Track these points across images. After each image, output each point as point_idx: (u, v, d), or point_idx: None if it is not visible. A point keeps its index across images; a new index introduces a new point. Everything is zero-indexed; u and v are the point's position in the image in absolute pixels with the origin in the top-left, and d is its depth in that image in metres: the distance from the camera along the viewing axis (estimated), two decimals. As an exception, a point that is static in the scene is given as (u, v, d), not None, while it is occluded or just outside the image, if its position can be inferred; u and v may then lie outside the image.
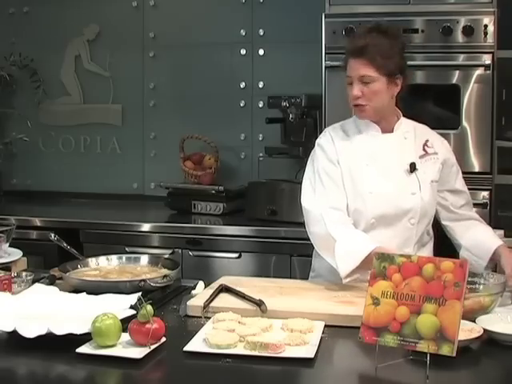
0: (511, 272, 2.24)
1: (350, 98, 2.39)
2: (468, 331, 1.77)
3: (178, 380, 1.67)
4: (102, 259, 2.50)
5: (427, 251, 2.49)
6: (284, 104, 3.68)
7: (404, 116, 2.55)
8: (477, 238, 2.47)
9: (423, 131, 2.52)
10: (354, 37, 2.42)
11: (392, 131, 2.46)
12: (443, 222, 2.54)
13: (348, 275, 2.24)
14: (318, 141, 2.51)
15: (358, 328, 1.71)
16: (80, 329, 1.76)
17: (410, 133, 2.48)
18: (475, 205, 3.27)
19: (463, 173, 3.30)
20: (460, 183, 2.55)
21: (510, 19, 3.25)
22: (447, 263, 1.65)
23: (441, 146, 2.52)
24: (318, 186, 2.42)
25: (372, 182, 2.39)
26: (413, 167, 2.40)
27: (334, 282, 2.33)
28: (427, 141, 2.48)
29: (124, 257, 2.55)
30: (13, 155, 4.56)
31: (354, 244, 2.27)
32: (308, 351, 1.72)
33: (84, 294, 2.11)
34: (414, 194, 2.39)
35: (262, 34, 4.14)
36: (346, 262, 2.24)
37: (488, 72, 3.22)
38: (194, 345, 1.76)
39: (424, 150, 2.46)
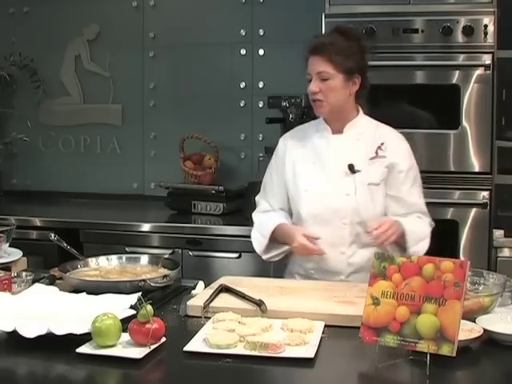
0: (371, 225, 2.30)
1: (309, 93, 2.45)
2: (468, 331, 1.77)
3: (178, 380, 1.67)
4: (102, 259, 2.50)
5: (371, 252, 2.45)
6: (284, 104, 3.68)
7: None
8: None
9: (384, 133, 2.51)
10: (320, 36, 2.49)
11: (342, 132, 2.50)
12: None
13: (264, 252, 2.53)
14: None
15: (358, 328, 1.71)
16: (80, 329, 1.77)
17: (366, 134, 2.48)
18: (475, 205, 3.30)
19: (463, 173, 3.32)
20: (406, 192, 2.47)
21: (510, 19, 3.25)
22: (447, 263, 1.65)
23: (394, 149, 2.47)
24: (264, 181, 2.65)
25: (310, 180, 2.48)
26: (351, 168, 2.42)
27: (304, 275, 2.52)
28: (382, 144, 2.47)
29: (124, 257, 2.55)
30: (13, 155, 4.56)
31: (263, 224, 2.54)
32: (308, 351, 1.72)
33: (84, 294, 2.11)
34: (348, 195, 2.42)
35: (262, 34, 4.14)
36: (259, 240, 2.54)
37: (488, 72, 3.22)
38: (194, 345, 1.76)
39: (376, 152, 2.46)
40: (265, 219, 2.56)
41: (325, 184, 2.46)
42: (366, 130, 2.50)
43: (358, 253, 2.44)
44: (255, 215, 2.64)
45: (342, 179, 2.44)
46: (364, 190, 2.42)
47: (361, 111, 2.52)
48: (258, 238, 2.55)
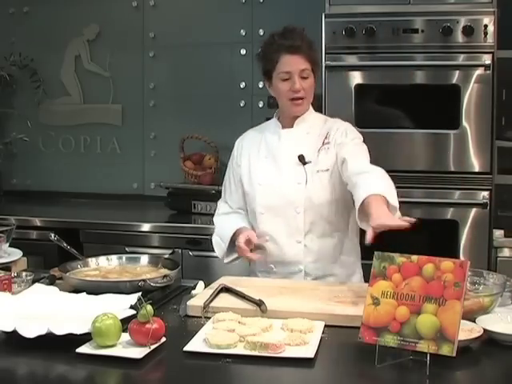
0: (374, 224, 2.03)
1: (285, 92, 2.46)
2: (468, 331, 1.77)
3: (178, 380, 1.67)
4: (102, 259, 2.50)
5: (332, 242, 2.48)
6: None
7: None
8: (355, 187, 2.28)
9: (329, 125, 2.56)
10: (284, 36, 2.46)
11: (292, 127, 2.56)
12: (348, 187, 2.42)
13: (225, 256, 2.57)
14: None
15: (358, 328, 1.70)
16: (80, 329, 1.76)
17: (314, 128, 2.55)
18: (475, 205, 3.30)
19: (463, 173, 3.32)
20: (351, 152, 2.41)
21: (510, 19, 3.25)
22: (447, 263, 1.66)
23: (336, 133, 2.50)
24: (223, 183, 2.72)
25: (263, 174, 2.54)
26: (302, 159, 2.48)
27: (264, 272, 2.54)
28: (328, 133, 2.53)
29: (124, 257, 2.55)
30: (13, 155, 4.56)
31: (223, 229, 2.58)
32: (308, 351, 1.72)
33: (84, 294, 2.11)
34: (300, 183, 2.47)
35: (262, 33, 4.14)
36: (219, 245, 2.57)
37: (488, 72, 3.22)
38: (194, 345, 1.76)
39: (323, 142, 2.51)
40: (224, 224, 2.60)
41: (277, 176, 2.51)
42: (314, 124, 2.56)
43: (315, 241, 2.48)
44: (215, 218, 2.69)
45: (293, 169, 2.49)
46: (314, 177, 2.46)
47: (311, 107, 2.59)
48: (219, 243, 2.58)
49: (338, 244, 2.51)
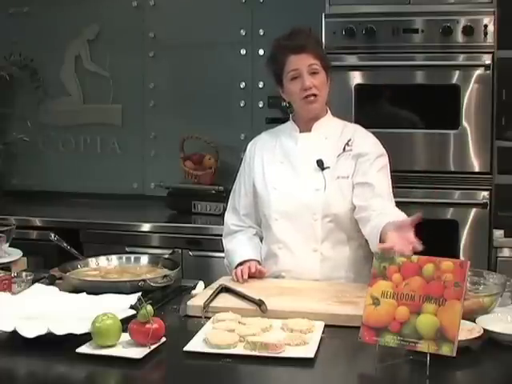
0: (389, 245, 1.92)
1: (297, 92, 2.43)
2: (468, 331, 1.77)
3: (178, 380, 1.67)
4: (102, 259, 2.50)
5: (347, 251, 2.43)
6: (284, 104, 3.67)
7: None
8: (373, 224, 2.25)
9: (350, 131, 2.51)
10: (290, 37, 2.44)
11: (310, 131, 2.51)
12: (355, 216, 2.41)
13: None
14: None
15: (358, 328, 1.71)
16: (80, 329, 1.77)
17: (333, 133, 2.49)
18: (475, 205, 3.30)
19: (463, 173, 3.32)
20: (372, 177, 2.39)
21: (510, 19, 3.25)
22: (447, 263, 1.66)
23: (360, 142, 2.46)
24: (233, 189, 2.65)
25: (279, 178, 2.48)
26: (320, 164, 2.43)
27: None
28: (349, 140, 2.47)
29: (124, 257, 2.55)
30: (13, 155, 4.56)
31: (231, 256, 2.54)
32: (308, 351, 1.72)
33: (84, 294, 2.11)
34: (318, 190, 2.41)
35: (262, 33, 4.14)
36: (230, 269, 2.50)
37: (488, 72, 3.22)
38: (194, 345, 1.76)
39: (343, 148, 2.45)
40: (232, 249, 2.55)
41: (294, 180, 2.46)
42: (333, 128, 2.50)
43: (331, 251, 2.42)
44: (224, 240, 2.63)
45: (311, 175, 2.44)
46: (333, 183, 2.41)
47: (329, 112, 2.54)
48: (229, 267, 2.54)
49: (353, 253, 2.45)
